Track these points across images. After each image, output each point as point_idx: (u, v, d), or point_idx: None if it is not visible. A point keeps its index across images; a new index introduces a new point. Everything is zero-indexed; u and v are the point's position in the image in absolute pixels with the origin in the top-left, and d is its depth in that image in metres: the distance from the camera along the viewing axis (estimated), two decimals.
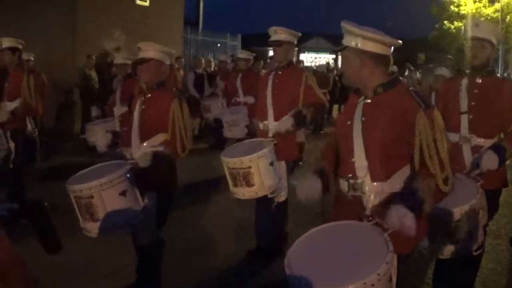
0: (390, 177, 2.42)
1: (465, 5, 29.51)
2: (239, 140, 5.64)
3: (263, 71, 10.30)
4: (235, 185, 4.15)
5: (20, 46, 5.91)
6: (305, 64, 21.32)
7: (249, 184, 4.08)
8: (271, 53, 12.34)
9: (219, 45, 21.02)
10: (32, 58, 8.31)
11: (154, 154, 3.57)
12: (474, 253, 3.31)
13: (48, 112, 8.98)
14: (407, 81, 15.83)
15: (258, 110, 4.72)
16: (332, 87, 15.54)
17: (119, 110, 6.60)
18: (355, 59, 2.45)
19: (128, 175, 3.44)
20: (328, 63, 23.13)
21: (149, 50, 3.80)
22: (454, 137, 3.61)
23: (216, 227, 5.67)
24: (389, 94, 2.46)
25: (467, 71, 3.92)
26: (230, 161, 4.11)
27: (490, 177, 3.50)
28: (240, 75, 8.34)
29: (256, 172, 4.02)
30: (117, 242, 4.25)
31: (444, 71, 7.78)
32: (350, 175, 2.50)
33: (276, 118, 4.49)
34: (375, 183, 2.43)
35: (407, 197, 2.27)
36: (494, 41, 3.70)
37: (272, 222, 4.63)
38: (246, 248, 4.80)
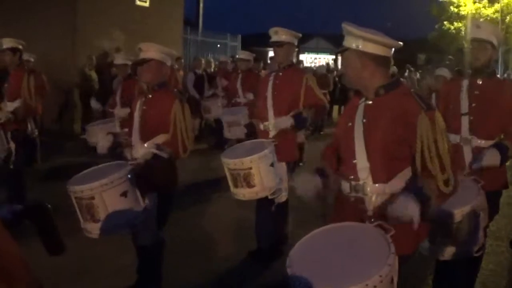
0: (391, 178, 2.43)
1: (465, 5, 29.52)
2: (239, 140, 5.63)
3: (263, 72, 10.32)
4: (236, 186, 4.15)
5: (20, 47, 5.91)
6: (305, 64, 21.37)
7: (249, 185, 4.08)
8: (271, 53, 12.35)
9: (219, 45, 21.03)
10: (32, 59, 8.31)
11: (154, 155, 3.58)
12: (475, 255, 3.32)
13: (48, 112, 8.98)
14: (407, 82, 15.85)
15: (259, 111, 4.72)
16: (332, 88, 15.55)
17: (119, 111, 6.60)
18: (356, 60, 2.45)
19: (129, 176, 3.44)
20: (328, 64, 23.14)
21: (150, 51, 3.80)
22: (454, 138, 3.62)
23: (217, 228, 5.68)
24: (390, 96, 2.46)
25: (468, 72, 3.92)
26: (230, 162, 4.11)
27: (490, 178, 3.50)
28: (240, 75, 8.35)
29: (257, 173, 4.02)
30: (117, 243, 4.25)
31: (444, 72, 7.80)
32: (352, 177, 2.50)
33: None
34: (376, 185, 2.44)
35: (414, 191, 2.28)
36: (495, 42, 3.71)
37: (273, 223, 4.64)
38: (246, 249, 4.81)
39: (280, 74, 4.65)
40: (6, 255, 1.27)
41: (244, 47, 17.71)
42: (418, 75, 19.91)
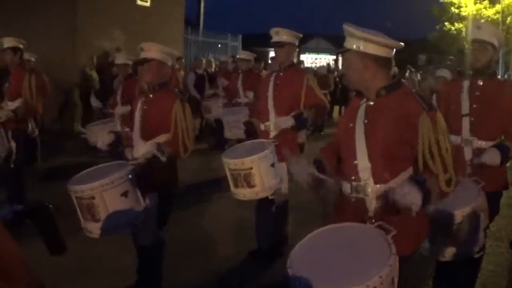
0: (393, 179, 2.42)
1: (466, 6, 29.53)
2: (239, 140, 5.63)
3: (264, 72, 10.31)
4: (236, 186, 4.15)
5: (21, 46, 5.90)
6: (306, 65, 21.35)
7: (250, 185, 4.08)
8: (272, 53, 12.35)
9: (219, 45, 21.04)
10: (33, 59, 8.31)
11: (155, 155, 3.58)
12: (476, 255, 3.32)
13: (48, 112, 8.98)
14: (407, 83, 15.84)
15: (260, 111, 4.72)
16: (333, 88, 15.55)
17: (119, 109, 6.61)
18: (358, 62, 2.45)
19: (129, 176, 3.44)
20: (328, 64, 23.16)
21: (151, 51, 3.80)
22: (455, 139, 3.62)
23: (217, 228, 5.68)
24: (392, 97, 2.46)
25: (469, 73, 3.92)
26: (231, 162, 4.11)
27: (491, 179, 3.51)
28: (241, 75, 8.34)
29: (257, 173, 4.02)
30: (118, 242, 4.25)
31: (444, 73, 7.81)
32: (353, 177, 2.50)
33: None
34: (378, 185, 2.44)
35: (418, 181, 2.27)
36: (495, 43, 3.71)
37: (273, 224, 4.64)
38: (246, 249, 4.81)
39: (281, 74, 4.65)
40: (6, 255, 1.27)
41: (245, 47, 17.70)
42: (418, 75, 19.91)
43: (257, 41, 23.91)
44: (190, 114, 3.79)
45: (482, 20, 25.10)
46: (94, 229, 3.38)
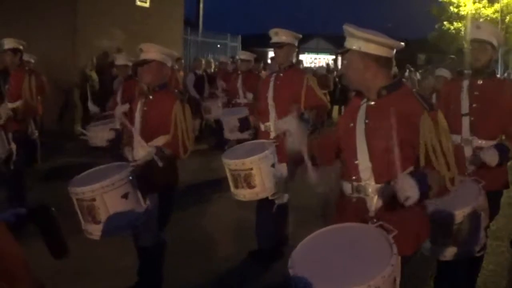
0: (394, 179, 2.42)
1: (465, 5, 29.55)
2: (239, 141, 5.63)
3: (264, 72, 10.32)
4: (236, 187, 4.15)
5: (21, 47, 5.90)
6: (305, 65, 21.39)
7: (250, 185, 4.08)
8: (271, 54, 12.35)
9: (219, 46, 21.04)
10: (32, 60, 8.30)
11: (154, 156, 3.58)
12: (476, 255, 3.32)
13: (48, 113, 8.97)
14: (407, 82, 15.85)
15: (260, 111, 4.72)
16: (333, 88, 15.56)
17: (119, 108, 6.59)
18: (358, 62, 2.45)
19: (130, 177, 3.44)
20: (328, 64, 23.16)
21: (151, 52, 3.80)
22: (455, 139, 3.61)
23: (217, 228, 5.68)
24: (393, 96, 2.46)
25: (467, 72, 3.92)
26: (231, 163, 4.11)
27: (491, 178, 3.51)
28: (240, 76, 8.34)
29: (258, 174, 4.02)
30: (118, 244, 4.25)
31: (444, 72, 7.79)
32: (354, 177, 2.50)
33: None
34: (379, 185, 2.44)
35: (418, 176, 2.26)
36: (495, 43, 3.71)
37: (273, 224, 4.64)
38: (247, 249, 4.81)
39: (281, 75, 4.65)
40: (9, 257, 1.28)
41: (244, 47, 17.73)
42: (418, 75, 19.92)
43: (256, 41, 23.93)
44: (190, 114, 3.79)
45: (481, 19, 25.13)
46: (94, 231, 3.37)
